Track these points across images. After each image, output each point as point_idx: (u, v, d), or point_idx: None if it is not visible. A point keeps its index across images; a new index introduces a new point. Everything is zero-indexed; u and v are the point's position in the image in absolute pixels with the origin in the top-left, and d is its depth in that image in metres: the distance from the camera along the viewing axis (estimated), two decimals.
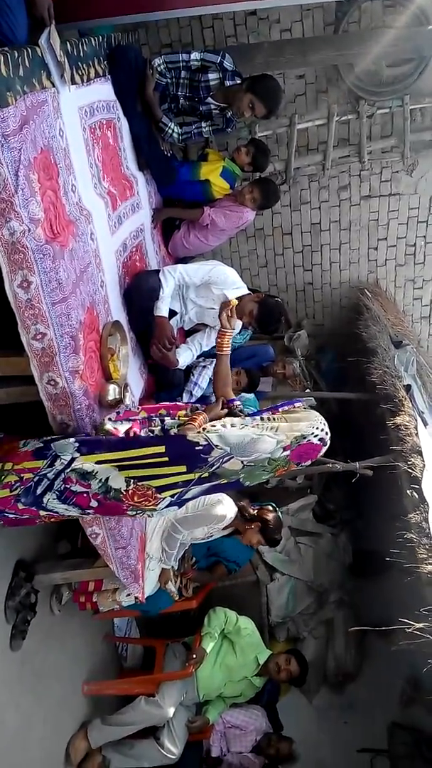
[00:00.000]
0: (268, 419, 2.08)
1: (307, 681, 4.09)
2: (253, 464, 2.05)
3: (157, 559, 3.03)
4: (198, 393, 3.44)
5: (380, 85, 4.51)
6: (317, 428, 2.06)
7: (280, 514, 3.34)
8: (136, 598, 2.93)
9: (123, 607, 3.23)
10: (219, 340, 2.59)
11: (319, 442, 2.06)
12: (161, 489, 2.07)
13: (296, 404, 2.15)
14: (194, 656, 3.45)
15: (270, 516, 3.17)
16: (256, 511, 3.15)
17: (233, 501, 3.16)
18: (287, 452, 2.04)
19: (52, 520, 2.27)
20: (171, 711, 3.37)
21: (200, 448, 2.02)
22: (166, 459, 2.03)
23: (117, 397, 2.33)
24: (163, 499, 2.10)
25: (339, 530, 4.76)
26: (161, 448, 2.03)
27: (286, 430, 2.04)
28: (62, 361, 2.04)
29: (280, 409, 2.13)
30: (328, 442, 2.09)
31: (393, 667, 4.12)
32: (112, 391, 2.31)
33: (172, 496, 2.10)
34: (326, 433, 2.08)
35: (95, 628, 3.69)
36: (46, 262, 1.87)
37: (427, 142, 4.74)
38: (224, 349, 2.55)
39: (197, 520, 3.02)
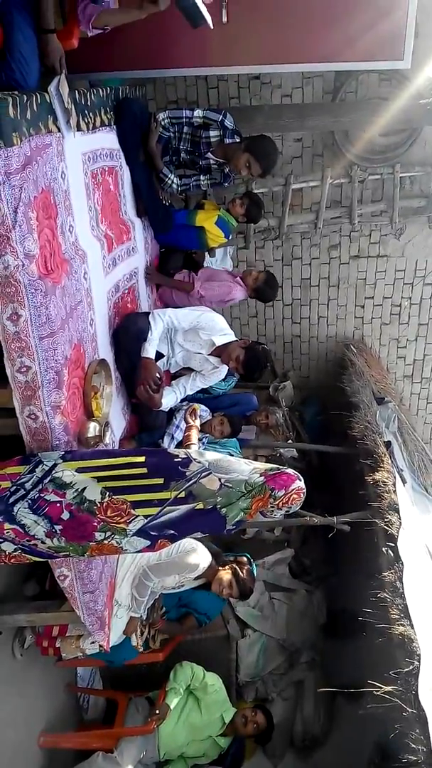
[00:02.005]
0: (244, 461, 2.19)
1: (273, 743, 3.96)
2: (230, 485, 2.05)
3: (126, 607, 2.95)
4: (179, 436, 3.43)
5: (373, 152, 4.72)
6: (291, 469, 2.14)
7: (255, 566, 3.31)
8: (100, 646, 2.84)
9: (87, 656, 3.12)
10: (186, 433, 2.74)
11: (293, 473, 2.10)
12: (136, 505, 2.05)
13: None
14: (157, 712, 3.31)
15: (244, 567, 3.15)
16: (230, 559, 3.15)
17: (207, 549, 3.13)
18: (263, 478, 2.06)
19: (12, 561, 2.19)
20: None
21: (179, 460, 2.09)
22: (145, 470, 2.06)
23: (97, 434, 2.32)
24: (137, 517, 2.05)
25: (314, 587, 4.67)
26: (141, 458, 2.09)
27: (260, 465, 2.14)
28: (45, 396, 2.04)
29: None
30: (302, 482, 2.11)
31: (361, 732, 3.97)
32: (93, 429, 2.30)
33: (146, 516, 2.05)
34: (300, 479, 2.11)
35: (57, 675, 3.55)
36: (37, 297, 1.89)
37: (415, 208, 4.93)
38: (191, 441, 2.67)
39: (169, 568, 2.98)
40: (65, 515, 2.05)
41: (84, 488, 2.04)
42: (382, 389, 4.84)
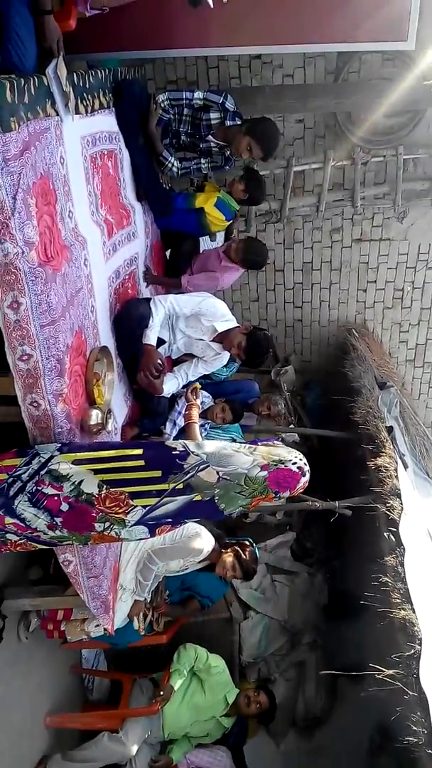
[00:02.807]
0: (247, 447, 2.11)
1: (275, 723, 4.02)
2: (228, 479, 2.02)
3: (131, 591, 2.98)
4: (182, 422, 3.43)
5: (376, 134, 4.65)
6: (296, 457, 2.07)
7: (257, 549, 3.33)
8: (105, 629, 2.87)
9: (91, 638, 3.15)
10: (187, 412, 2.71)
11: (297, 471, 2.04)
12: (134, 495, 2.04)
13: (275, 441, 2.18)
14: (161, 693, 3.37)
15: (247, 549, 3.18)
16: (233, 542, 3.20)
17: (210, 534, 3.15)
18: (265, 473, 2.02)
19: (18, 548, 2.22)
20: (134, 749, 3.28)
21: (177, 453, 2.06)
22: (142, 462, 2.04)
23: (99, 422, 2.32)
24: (135, 507, 2.04)
25: (316, 570, 4.71)
26: (138, 451, 2.07)
27: (263, 452, 2.06)
28: (47, 384, 2.04)
29: (259, 443, 2.15)
30: (307, 475, 2.07)
31: (363, 713, 4.03)
32: (95, 416, 2.30)
33: (144, 507, 2.05)
34: (305, 464, 2.07)
35: (62, 657, 3.60)
36: (38, 285, 1.88)
37: (418, 191, 4.87)
38: (193, 419, 2.65)
39: (174, 552, 3.00)
40: (64, 507, 2.06)
41: (81, 481, 2.03)
42: (384, 374, 4.83)
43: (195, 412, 2.70)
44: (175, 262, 3.87)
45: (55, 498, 2.05)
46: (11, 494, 2.05)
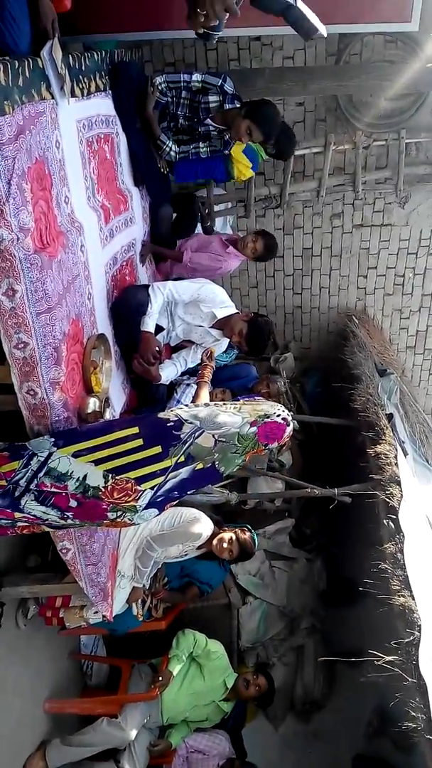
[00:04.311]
0: (231, 405, 2.23)
1: (273, 707, 4.06)
2: (225, 440, 2.10)
3: (129, 577, 2.99)
4: None
5: (378, 117, 4.58)
6: (279, 409, 2.19)
7: (256, 536, 3.34)
8: (104, 616, 2.87)
9: (90, 625, 3.16)
10: (201, 371, 2.78)
11: (282, 422, 2.16)
12: (140, 480, 2.06)
13: (257, 398, 2.32)
14: (160, 678, 3.39)
15: (246, 532, 3.26)
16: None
17: (209, 519, 3.17)
18: (254, 428, 2.12)
19: (24, 531, 2.23)
20: (133, 734, 3.30)
21: (171, 424, 2.11)
22: (141, 441, 2.07)
23: (97, 410, 2.30)
24: (144, 492, 2.07)
25: (314, 556, 4.73)
26: (135, 429, 2.09)
27: (249, 410, 2.17)
28: (43, 372, 2.02)
29: (241, 400, 2.27)
30: (292, 424, 2.22)
31: (361, 697, 4.07)
32: (92, 404, 2.29)
33: (152, 488, 2.08)
34: (288, 415, 2.20)
35: (61, 644, 3.62)
36: (33, 272, 1.85)
37: (420, 175, 4.81)
38: (205, 378, 2.75)
39: (173, 538, 3.01)
40: (73, 503, 2.06)
41: (85, 475, 2.03)
42: (384, 361, 4.81)
43: (208, 372, 2.79)
44: (177, 226, 3.83)
45: (63, 495, 2.05)
46: (16, 495, 2.05)
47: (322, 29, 2.56)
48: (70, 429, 2.14)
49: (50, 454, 2.04)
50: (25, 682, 3.15)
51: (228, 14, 2.42)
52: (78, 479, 2.03)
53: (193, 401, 2.70)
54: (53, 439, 2.07)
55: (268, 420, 2.14)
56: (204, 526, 3.10)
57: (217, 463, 2.12)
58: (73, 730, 3.39)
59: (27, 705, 3.16)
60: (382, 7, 3.25)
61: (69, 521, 2.14)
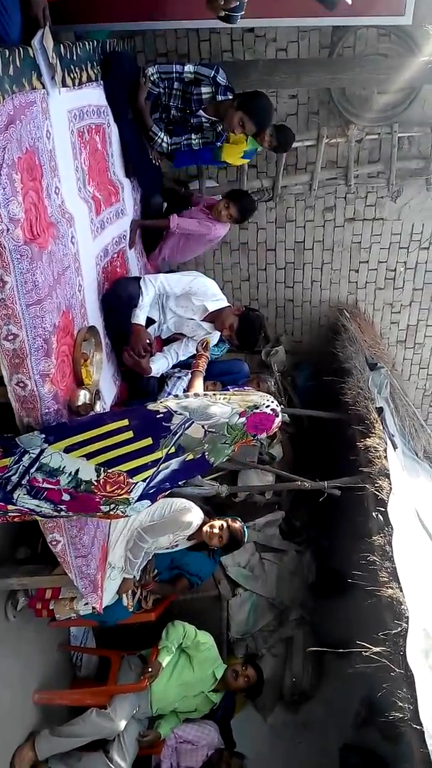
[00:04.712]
0: (222, 396, 2.26)
1: (262, 697, 4.09)
2: (214, 430, 2.12)
3: (120, 569, 3.00)
4: None
5: (371, 111, 4.57)
6: (268, 400, 2.22)
7: (246, 528, 3.36)
8: (93, 608, 2.88)
9: (80, 616, 3.17)
10: (196, 361, 2.77)
11: (271, 413, 2.20)
12: (132, 472, 2.07)
13: (246, 389, 2.35)
14: (150, 669, 3.40)
15: (237, 522, 3.30)
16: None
17: (200, 510, 3.19)
18: (243, 419, 2.16)
19: (16, 519, 2.23)
20: (122, 725, 3.31)
21: (161, 415, 2.12)
22: (131, 434, 2.07)
23: (87, 402, 2.30)
24: (136, 484, 2.08)
25: (304, 548, 4.76)
26: (125, 422, 2.10)
27: (238, 401, 2.20)
28: (33, 364, 2.01)
29: (230, 389, 2.31)
30: (280, 416, 2.25)
31: (349, 688, 4.11)
32: (83, 397, 2.28)
33: (144, 480, 2.09)
34: (277, 405, 2.23)
35: (50, 635, 3.62)
36: (23, 263, 1.84)
37: (412, 170, 4.82)
38: (200, 368, 2.74)
39: (164, 527, 3.03)
40: (66, 497, 2.07)
41: (77, 470, 2.03)
42: (375, 355, 4.83)
43: (203, 362, 2.79)
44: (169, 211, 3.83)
45: (55, 490, 2.05)
46: (8, 489, 2.05)
47: None
48: (59, 424, 2.14)
49: (42, 451, 2.04)
50: (15, 673, 3.15)
51: None
52: (70, 474, 2.03)
53: (186, 390, 2.70)
54: (44, 436, 2.06)
55: (257, 411, 2.17)
56: (194, 515, 3.12)
57: (206, 453, 2.14)
58: (62, 721, 3.40)
59: (16, 696, 3.16)
60: (376, 0, 3.24)
61: (63, 513, 2.16)
